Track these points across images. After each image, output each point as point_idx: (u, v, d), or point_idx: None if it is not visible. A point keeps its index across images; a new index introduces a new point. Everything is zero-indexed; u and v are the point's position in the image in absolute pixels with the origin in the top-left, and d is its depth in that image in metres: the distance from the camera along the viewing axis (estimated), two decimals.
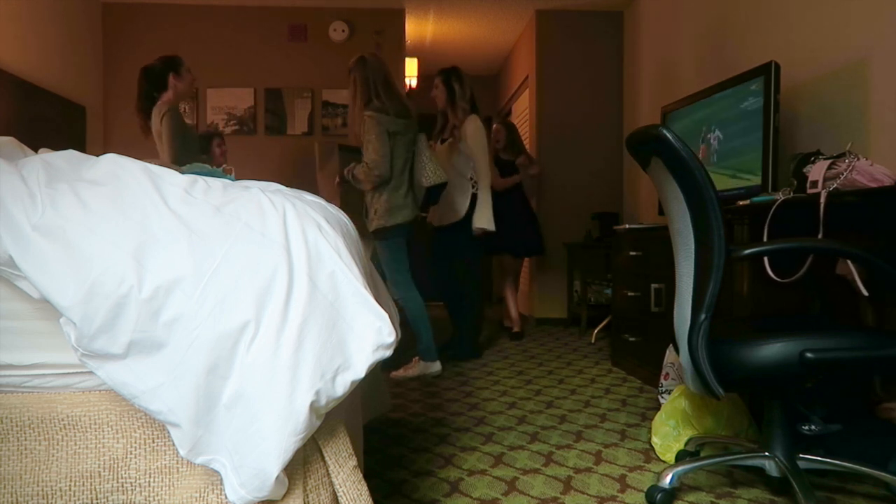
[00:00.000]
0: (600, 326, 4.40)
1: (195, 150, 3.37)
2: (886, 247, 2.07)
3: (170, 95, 3.27)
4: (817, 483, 1.79)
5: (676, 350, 1.78)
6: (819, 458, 1.64)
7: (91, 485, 1.15)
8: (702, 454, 1.97)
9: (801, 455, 1.62)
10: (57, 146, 1.82)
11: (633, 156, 1.71)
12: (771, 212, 2.02)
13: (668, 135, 1.46)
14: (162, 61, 3.33)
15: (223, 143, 4.42)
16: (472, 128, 3.69)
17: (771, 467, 1.63)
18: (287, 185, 1.52)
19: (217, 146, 4.34)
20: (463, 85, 3.71)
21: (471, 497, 1.74)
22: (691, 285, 1.51)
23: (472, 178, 3.72)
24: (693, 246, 1.51)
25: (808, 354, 1.39)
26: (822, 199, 1.84)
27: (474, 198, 3.71)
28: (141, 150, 3.36)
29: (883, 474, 1.59)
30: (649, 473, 1.91)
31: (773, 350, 1.44)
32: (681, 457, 1.95)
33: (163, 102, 3.24)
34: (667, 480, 1.65)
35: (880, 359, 1.43)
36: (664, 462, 2.00)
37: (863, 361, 1.45)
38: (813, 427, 1.55)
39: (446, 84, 3.71)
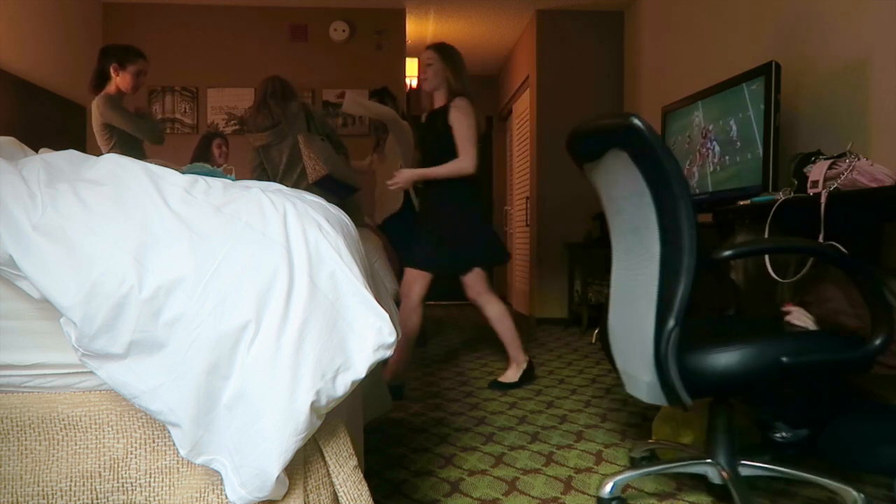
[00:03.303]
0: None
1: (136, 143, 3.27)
2: (888, 246, 2.06)
3: (111, 88, 3.15)
4: (776, 487, 1.76)
5: (611, 362, 1.67)
6: (760, 465, 1.60)
7: (91, 485, 1.15)
8: (657, 459, 1.93)
9: (743, 461, 1.58)
10: (57, 146, 1.82)
11: (578, 148, 1.58)
12: (772, 212, 2.02)
13: (641, 124, 1.34)
14: (115, 47, 3.19)
15: (223, 143, 4.41)
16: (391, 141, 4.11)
17: (714, 474, 1.59)
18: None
19: (216, 147, 4.34)
20: (395, 102, 4.21)
21: (471, 497, 1.74)
22: (655, 290, 1.39)
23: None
24: (658, 247, 1.39)
25: (785, 359, 1.34)
26: (823, 199, 1.84)
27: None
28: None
29: (825, 480, 1.55)
30: None
31: (746, 356, 1.38)
32: (634, 462, 1.93)
33: (104, 94, 3.12)
34: (607, 490, 1.61)
35: (853, 360, 1.39)
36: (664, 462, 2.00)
37: (838, 364, 1.41)
38: (784, 434, 1.52)
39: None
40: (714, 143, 2.87)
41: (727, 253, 1.40)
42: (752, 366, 1.38)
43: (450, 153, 2.90)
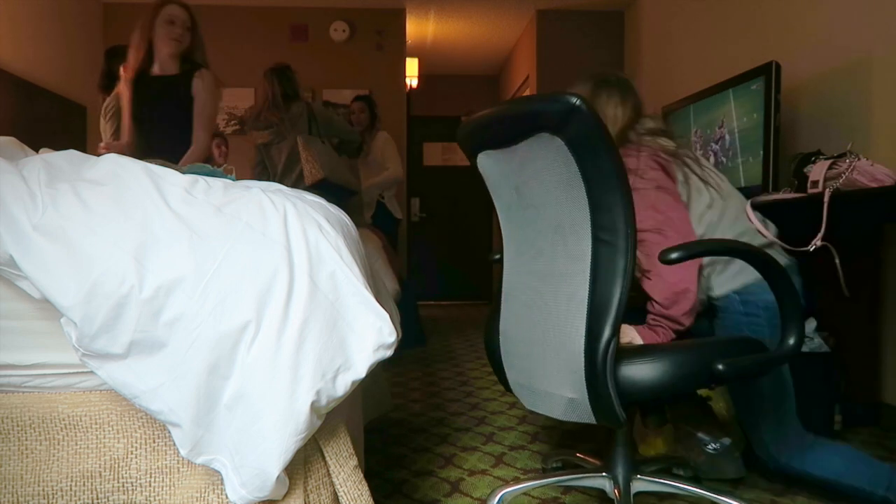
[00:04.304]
0: None
1: None
2: (888, 246, 2.06)
3: (121, 87, 3.13)
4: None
5: (498, 373, 1.57)
6: (655, 480, 1.56)
7: (92, 485, 1.15)
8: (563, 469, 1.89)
9: (639, 476, 1.54)
10: (57, 146, 1.81)
11: (485, 132, 1.41)
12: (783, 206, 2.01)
13: (585, 107, 1.16)
14: (124, 47, 3.16)
15: (223, 143, 4.42)
16: (383, 140, 4.40)
17: (610, 488, 1.54)
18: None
19: (216, 146, 4.35)
20: (378, 111, 4.51)
21: (471, 497, 1.74)
22: (585, 296, 1.24)
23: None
24: (590, 247, 1.24)
25: (720, 367, 1.27)
26: (826, 199, 1.84)
27: (379, 204, 4.35)
28: None
29: (720, 497, 1.51)
30: None
31: (680, 365, 1.30)
32: (545, 472, 1.90)
33: (113, 95, 3.18)
34: (494, 502, 1.57)
35: (772, 360, 1.37)
36: None
37: (762, 365, 1.38)
38: (714, 445, 1.48)
39: (371, 111, 4.42)
40: (714, 143, 2.87)
41: (675, 255, 1.25)
42: (686, 374, 1.30)
43: (185, 129, 2.56)
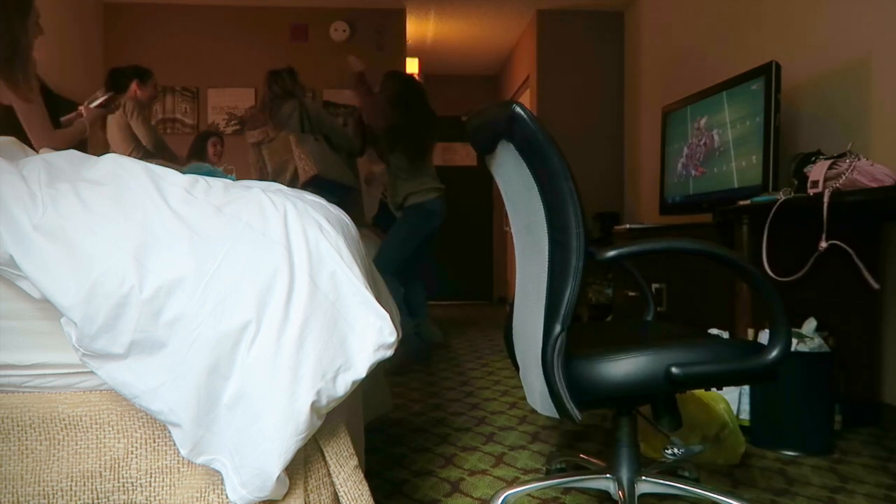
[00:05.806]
0: None
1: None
2: (888, 246, 2.06)
3: (130, 96, 3.43)
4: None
5: (515, 366, 1.59)
6: (661, 482, 1.54)
7: (92, 485, 1.15)
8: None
9: (644, 477, 1.52)
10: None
11: (474, 140, 1.51)
12: (772, 212, 2.02)
13: (523, 113, 1.25)
14: (132, 67, 3.53)
15: (219, 142, 4.42)
16: None
17: (614, 490, 1.52)
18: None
19: (212, 145, 4.34)
20: None
21: (472, 497, 1.74)
22: (544, 291, 1.30)
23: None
24: (547, 245, 1.30)
25: (675, 370, 1.26)
26: (826, 199, 1.84)
27: (381, 204, 4.41)
28: None
29: (723, 499, 1.49)
30: None
31: (635, 365, 1.29)
32: (549, 473, 1.89)
33: (129, 98, 3.40)
34: (498, 503, 1.56)
35: (749, 370, 1.32)
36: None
37: (728, 374, 1.34)
38: (676, 451, 1.46)
39: None
40: (714, 143, 2.87)
41: (612, 253, 1.28)
42: (641, 375, 1.29)
43: None
